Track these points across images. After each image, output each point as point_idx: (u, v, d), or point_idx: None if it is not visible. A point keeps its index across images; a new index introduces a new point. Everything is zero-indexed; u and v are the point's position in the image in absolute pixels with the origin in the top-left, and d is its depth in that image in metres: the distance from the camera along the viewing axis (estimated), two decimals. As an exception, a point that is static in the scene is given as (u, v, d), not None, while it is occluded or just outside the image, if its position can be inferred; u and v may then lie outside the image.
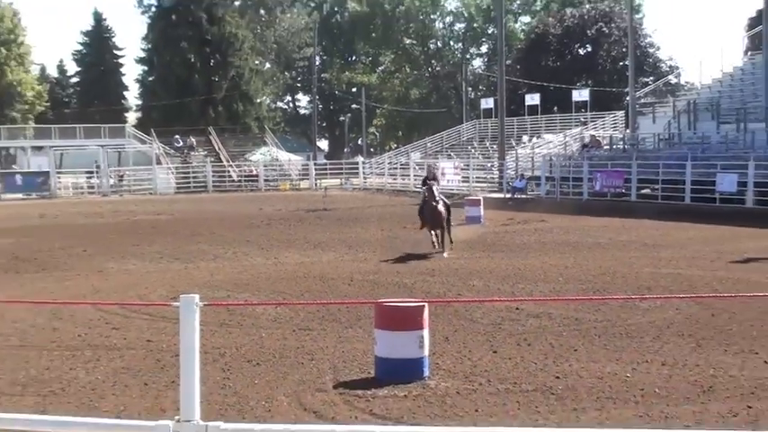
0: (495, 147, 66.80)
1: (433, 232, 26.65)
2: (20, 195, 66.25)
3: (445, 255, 25.56)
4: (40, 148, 77.71)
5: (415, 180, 66.45)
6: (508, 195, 52.41)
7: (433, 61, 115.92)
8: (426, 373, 12.19)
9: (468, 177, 62.39)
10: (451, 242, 26.90)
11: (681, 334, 14.73)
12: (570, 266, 23.10)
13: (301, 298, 19.13)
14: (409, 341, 12.18)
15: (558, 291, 19.34)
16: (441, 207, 26.13)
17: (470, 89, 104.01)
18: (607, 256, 25.38)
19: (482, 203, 38.91)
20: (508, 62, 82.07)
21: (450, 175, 64.47)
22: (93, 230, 37.15)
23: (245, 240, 31.44)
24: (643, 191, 46.66)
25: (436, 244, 26.32)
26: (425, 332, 12.33)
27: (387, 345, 12.24)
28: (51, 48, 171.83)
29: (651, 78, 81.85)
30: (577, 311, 16.36)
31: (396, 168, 73.94)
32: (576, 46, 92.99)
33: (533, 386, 11.65)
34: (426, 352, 12.29)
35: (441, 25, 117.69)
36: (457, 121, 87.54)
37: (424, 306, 12.54)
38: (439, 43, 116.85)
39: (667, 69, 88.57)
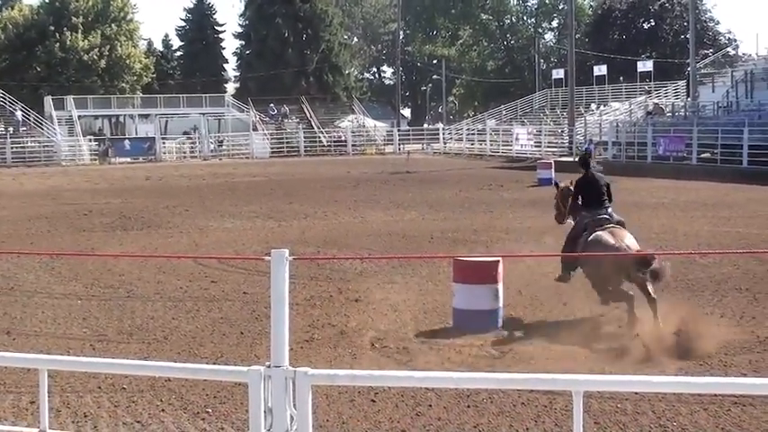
0: (565, 114, 66.08)
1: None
2: (128, 159, 66.92)
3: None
4: (146, 116, 78.32)
5: (492, 145, 66.05)
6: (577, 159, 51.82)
7: (507, 35, 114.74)
8: (500, 323, 12.08)
9: (540, 142, 61.81)
10: None
11: (738, 288, 14.46)
12: (635, 225, 22.72)
13: (385, 253, 19.08)
14: (485, 294, 12.07)
15: (624, 248, 19.04)
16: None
17: (542, 61, 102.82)
18: (669, 215, 25.00)
19: (553, 166, 38.52)
20: (577, 36, 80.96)
21: (523, 140, 63.94)
22: (194, 192, 37.42)
23: (334, 200, 31.47)
24: (703, 155, 45.85)
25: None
26: (500, 285, 12.21)
27: (464, 297, 12.15)
28: (157, 24, 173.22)
29: (711, 50, 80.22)
30: (642, 267, 16.07)
31: (473, 134, 73.46)
32: (641, 20, 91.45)
33: (601, 336, 11.48)
34: (501, 304, 12.17)
35: (515, 2, 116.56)
36: (530, 91, 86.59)
37: (498, 261, 12.41)
38: (513, 18, 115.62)
39: (726, 42, 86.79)
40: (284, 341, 5.50)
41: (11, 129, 68.37)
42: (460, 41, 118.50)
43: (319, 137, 75.20)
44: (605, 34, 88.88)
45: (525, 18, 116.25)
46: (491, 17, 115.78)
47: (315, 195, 34.01)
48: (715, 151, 44.68)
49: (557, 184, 14.78)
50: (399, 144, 74.83)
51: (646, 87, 69.60)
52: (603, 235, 12.11)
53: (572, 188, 13.54)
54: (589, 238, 12.18)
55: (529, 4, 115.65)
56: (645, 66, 70.47)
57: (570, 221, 13.68)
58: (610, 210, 12.88)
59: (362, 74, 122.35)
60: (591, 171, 13.23)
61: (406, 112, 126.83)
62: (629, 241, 12.11)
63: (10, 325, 12.89)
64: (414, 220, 24.95)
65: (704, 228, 22.04)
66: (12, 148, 64.82)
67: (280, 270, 5.47)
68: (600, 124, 58.76)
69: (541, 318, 12.67)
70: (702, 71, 61.54)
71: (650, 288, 11.75)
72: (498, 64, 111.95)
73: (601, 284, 12.06)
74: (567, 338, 11.28)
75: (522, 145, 63.44)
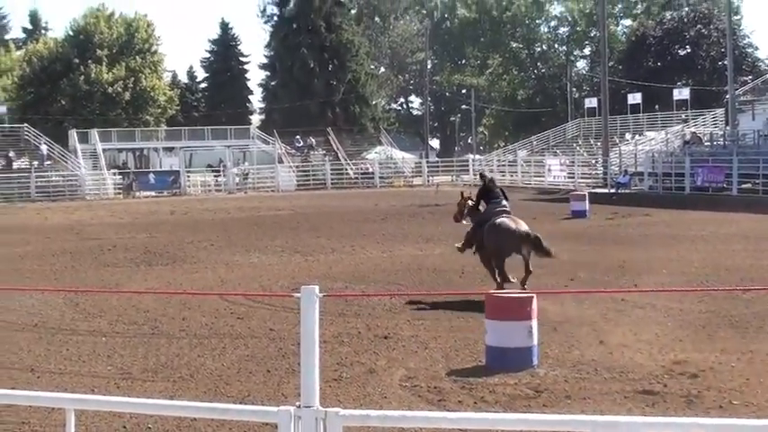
0: (598, 144, 65.97)
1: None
2: (152, 193, 67.32)
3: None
4: (171, 149, 78.86)
5: (523, 176, 66.01)
6: (612, 190, 51.59)
7: (538, 63, 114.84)
8: (535, 361, 12.00)
9: (573, 174, 61.71)
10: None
11: (783, 324, 14.29)
12: (674, 259, 22.60)
13: (415, 289, 19.02)
14: (519, 330, 12.00)
15: (662, 282, 18.92)
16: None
17: (575, 89, 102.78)
18: (709, 249, 24.79)
19: (587, 198, 38.42)
20: (610, 63, 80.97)
21: (556, 171, 63.86)
22: (219, 226, 37.52)
23: (362, 234, 31.45)
24: (744, 185, 45.57)
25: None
26: (534, 322, 12.13)
27: (497, 334, 12.08)
28: (182, 56, 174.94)
29: (750, 77, 79.87)
30: (681, 302, 15.98)
31: (504, 165, 73.42)
32: (676, 47, 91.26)
33: (640, 375, 11.37)
34: (535, 341, 12.09)
35: (545, 29, 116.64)
36: (562, 120, 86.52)
37: (532, 297, 12.35)
38: (544, 46, 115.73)
39: (765, 68, 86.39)
40: (315, 380, 5.48)
41: (35, 163, 68.94)
42: (490, 70, 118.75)
43: (346, 169, 75.38)
44: (639, 61, 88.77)
45: (557, 46, 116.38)
46: (521, 45, 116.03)
47: (342, 229, 34.01)
48: (756, 181, 44.39)
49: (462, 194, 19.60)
50: (428, 176, 74.92)
51: (682, 116, 69.38)
52: (506, 220, 17.36)
53: (470, 201, 18.82)
54: (496, 221, 17.32)
55: (560, 31, 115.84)
56: (681, 93, 70.21)
57: (465, 222, 19.00)
58: (506, 204, 18.02)
59: (390, 104, 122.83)
60: (488, 180, 18.55)
61: (435, 143, 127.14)
62: (523, 226, 17.25)
63: (34, 362, 12.93)
64: (444, 254, 24.85)
65: (746, 261, 21.84)
66: (36, 182, 65.35)
67: (310, 307, 5.46)
68: (635, 154, 58.57)
69: (578, 355, 12.58)
70: (741, 98, 61.22)
71: (530, 263, 17.02)
72: (529, 93, 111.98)
73: (497, 257, 17.30)
74: (605, 377, 11.20)
75: (554, 176, 63.40)
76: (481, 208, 18.30)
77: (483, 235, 17.51)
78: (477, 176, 20.19)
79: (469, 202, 18.82)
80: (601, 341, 13.26)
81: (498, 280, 17.14)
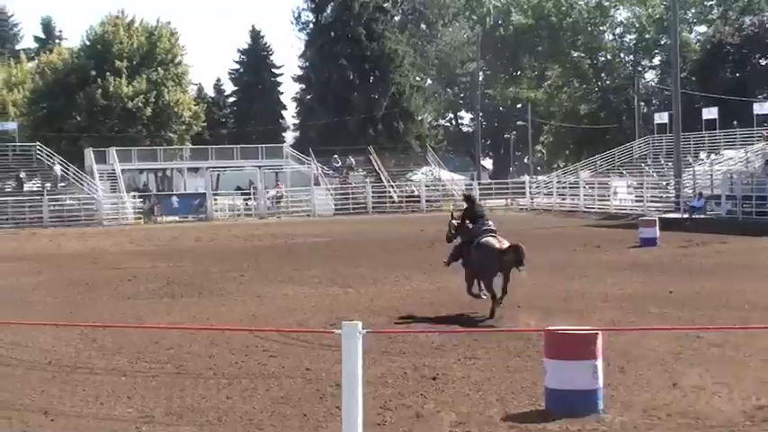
0: (670, 164, 65.49)
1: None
2: (176, 218, 67.73)
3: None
4: (196, 170, 79.38)
5: (586, 200, 65.78)
6: (685, 216, 51.26)
7: (602, 74, 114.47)
8: (601, 405, 11.94)
9: (641, 197, 61.39)
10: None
11: None
12: (754, 292, 22.42)
13: (466, 325, 18.99)
14: (582, 371, 11.94)
15: (742, 318, 18.78)
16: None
17: (642, 103, 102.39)
18: (795, 281, 24.59)
19: (657, 224, 38.20)
20: (683, 74, 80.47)
21: (622, 194, 63.60)
22: (249, 254, 37.66)
23: (407, 264, 31.43)
24: (834, 210, 45.24)
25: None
26: (599, 362, 12.07)
27: (558, 375, 12.02)
28: (209, 67, 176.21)
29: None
30: (764, 340, 15.84)
31: (564, 188, 73.23)
32: (757, 56, 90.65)
33: (718, 422, 11.29)
34: (600, 383, 12.03)
35: (610, 37, 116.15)
36: (629, 138, 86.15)
37: (597, 333, 12.29)
38: (609, 55, 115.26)
39: None
40: (357, 425, 5.50)
41: (48, 185, 69.57)
42: (548, 82, 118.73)
43: (389, 191, 75.50)
44: (715, 72, 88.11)
45: (623, 55, 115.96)
46: (583, 55, 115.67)
47: (385, 258, 34.05)
48: None
49: (451, 215, 22.85)
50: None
51: (764, 133, 68.85)
52: (490, 239, 20.22)
53: (454, 221, 21.94)
54: (481, 241, 20.26)
55: (627, 39, 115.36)
56: (763, 108, 69.63)
57: (456, 241, 21.74)
58: (491, 224, 20.96)
59: (437, 120, 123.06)
60: (474, 202, 21.94)
61: (488, 162, 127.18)
62: (506, 244, 19.95)
63: (48, 404, 13.02)
64: (497, 285, 24.81)
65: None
66: (49, 206, 65.92)
67: (352, 345, 5.48)
68: (711, 175, 58.19)
69: (648, 399, 12.51)
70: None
71: (507, 286, 19.92)
72: (592, 107, 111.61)
73: (484, 276, 20.31)
74: (679, 423, 11.13)
75: (620, 200, 63.16)
76: (469, 226, 21.14)
77: (469, 252, 20.60)
78: (465, 196, 23.39)
79: (453, 222, 21.90)
80: (674, 383, 13.18)
81: (482, 296, 20.49)
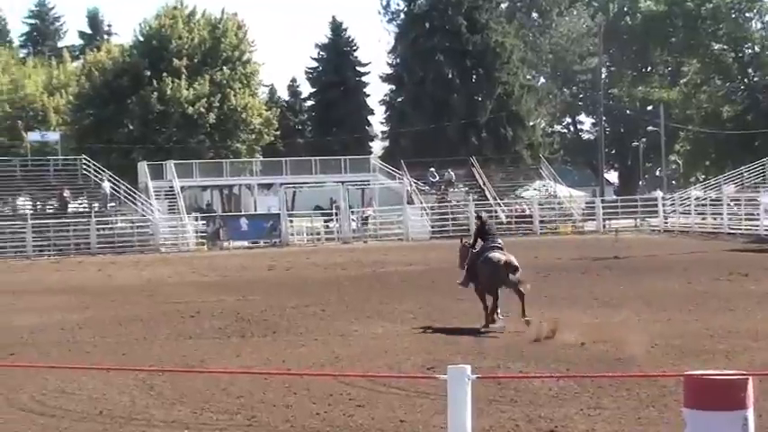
0: (833, 176, 64.70)
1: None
2: (245, 243, 68.21)
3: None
4: (268, 186, 79.91)
5: (731, 220, 65.10)
6: None
7: (749, 70, 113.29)
8: (753, 465, 11.79)
9: (799, 217, 60.68)
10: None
11: None
12: None
13: (589, 368, 18.90)
14: (729, 423, 11.79)
15: None
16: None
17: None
18: None
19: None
20: None
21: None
22: (332, 285, 37.76)
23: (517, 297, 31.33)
24: None
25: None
26: (750, 412, 11.92)
27: (700, 428, 11.89)
28: (282, 66, 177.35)
29: None
30: None
31: (704, 205, 72.51)
32: None
33: None
34: (752, 438, 11.88)
35: (758, 25, 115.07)
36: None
37: (747, 379, 12.14)
38: (757, 47, 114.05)
39: None
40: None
41: (96, 205, 70.32)
42: (684, 80, 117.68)
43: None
44: None
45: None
46: (726, 47, 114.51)
47: (492, 289, 33.96)
48: None
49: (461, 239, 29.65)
50: (604, 220, 74.40)
51: None
52: (496, 254, 25.23)
53: (469, 244, 27.11)
54: (488, 256, 25.20)
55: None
56: None
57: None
58: (500, 242, 26.18)
59: (552, 125, 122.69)
60: (485, 222, 26.89)
61: (612, 176, 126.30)
62: (510, 258, 25.12)
63: (98, 462, 13.19)
64: (626, 322, 24.66)
65: None
66: (97, 229, 66.52)
67: (460, 392, 5.47)
68: None
69: (809, 458, 12.36)
70: None
71: (521, 290, 25.06)
72: (737, 109, 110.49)
73: (489, 287, 25.12)
74: None
75: (772, 220, 62.41)
76: (477, 246, 26.03)
77: (478, 268, 25.30)
78: (477, 218, 27.99)
79: (465, 243, 27.29)
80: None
81: (488, 312, 24.90)
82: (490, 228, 27.00)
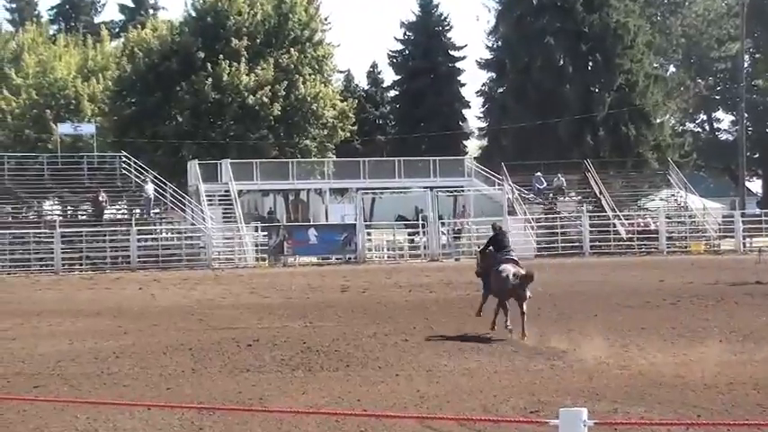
0: None
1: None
2: (314, 259, 68.33)
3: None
4: (342, 192, 79.99)
5: None
6: None
7: None
8: None
9: None
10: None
11: None
12: None
13: (727, 415, 18.75)
14: None
15: None
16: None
17: None
18: None
19: None
20: None
21: None
22: (417, 310, 37.78)
23: (639, 327, 31.25)
24: None
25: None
26: None
27: None
28: (360, 48, 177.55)
29: None
30: None
31: None
32: None
33: None
34: None
35: None
36: None
37: None
38: None
39: None
40: None
41: (137, 211, 70.53)
42: None
43: (614, 224, 75.07)
44: None
45: None
46: None
47: (607, 319, 33.84)
48: None
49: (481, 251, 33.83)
50: (744, 237, 73.85)
51: None
52: (507, 266, 30.07)
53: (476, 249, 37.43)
54: (499, 268, 30.12)
55: None
56: None
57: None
58: (514, 254, 31.25)
59: (683, 124, 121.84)
60: (500, 231, 32.23)
61: (756, 185, 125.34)
62: (520, 270, 30.01)
63: None
64: (771, 360, 24.51)
65: None
66: (139, 240, 66.57)
67: (574, 441, 5.40)
68: None
69: None
70: None
71: (523, 306, 29.65)
72: None
73: (498, 296, 30.28)
74: None
75: None
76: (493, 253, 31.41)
77: (492, 277, 30.76)
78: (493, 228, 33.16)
79: (476, 250, 33.36)
80: None
81: (494, 316, 30.32)
82: (506, 240, 32.34)
